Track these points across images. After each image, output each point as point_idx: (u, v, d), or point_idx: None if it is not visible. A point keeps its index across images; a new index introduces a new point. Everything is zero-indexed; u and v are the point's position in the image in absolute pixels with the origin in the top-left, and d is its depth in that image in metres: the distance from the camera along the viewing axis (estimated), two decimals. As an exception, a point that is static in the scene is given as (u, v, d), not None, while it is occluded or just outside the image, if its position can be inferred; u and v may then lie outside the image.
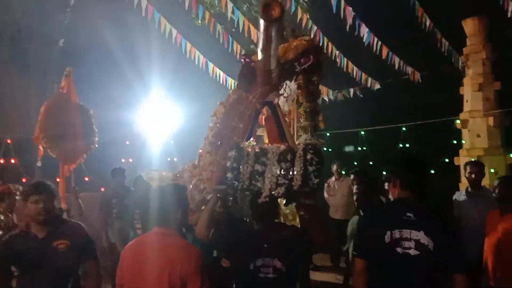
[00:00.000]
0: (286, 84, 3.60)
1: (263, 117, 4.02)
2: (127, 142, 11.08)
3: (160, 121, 10.20)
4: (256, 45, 3.49)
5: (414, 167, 2.71)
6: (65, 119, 5.55)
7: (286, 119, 4.01)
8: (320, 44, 3.52)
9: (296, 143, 3.34)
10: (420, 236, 2.46)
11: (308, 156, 3.02)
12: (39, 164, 6.06)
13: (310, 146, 3.07)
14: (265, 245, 2.93)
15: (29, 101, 9.70)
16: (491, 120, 9.81)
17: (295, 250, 2.98)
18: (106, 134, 8.30)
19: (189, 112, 11.01)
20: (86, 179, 8.82)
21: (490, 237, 3.86)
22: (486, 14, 10.02)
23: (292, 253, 2.97)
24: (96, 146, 6.04)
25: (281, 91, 3.58)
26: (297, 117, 3.92)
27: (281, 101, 3.91)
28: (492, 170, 8.93)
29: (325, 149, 11.34)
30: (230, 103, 3.46)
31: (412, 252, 2.46)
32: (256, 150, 3.21)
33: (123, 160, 10.36)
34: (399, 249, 2.49)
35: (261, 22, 2.71)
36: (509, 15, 7.63)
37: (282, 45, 3.44)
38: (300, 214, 3.33)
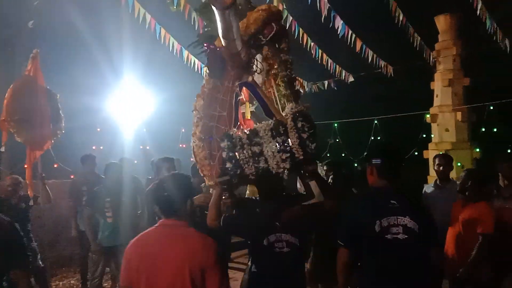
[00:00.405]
0: (256, 60, 3.53)
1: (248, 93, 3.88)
2: (98, 129, 10.86)
3: (132, 108, 10.03)
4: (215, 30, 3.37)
5: (393, 156, 2.82)
6: (32, 103, 5.37)
7: (269, 91, 3.93)
8: (283, 16, 3.38)
9: (283, 114, 3.30)
10: (406, 221, 2.61)
11: (299, 124, 3.00)
12: (2, 149, 5.86)
13: (297, 114, 3.05)
14: (276, 223, 3.00)
15: (-5, 84, 9.37)
16: (459, 115, 10.11)
17: (306, 223, 3.10)
18: (76, 120, 8.13)
19: (163, 100, 10.87)
20: (55, 166, 8.62)
21: (452, 226, 4.03)
22: (457, 11, 10.26)
23: (303, 226, 3.08)
24: (63, 132, 5.89)
25: (254, 68, 3.51)
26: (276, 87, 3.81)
27: (256, 76, 3.82)
28: (459, 164, 9.22)
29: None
30: (207, 93, 3.36)
31: (401, 236, 2.60)
32: (247, 133, 3.16)
33: (94, 147, 10.16)
34: (389, 236, 2.61)
35: (215, 10, 2.64)
36: (478, 12, 7.84)
37: (241, 21, 3.33)
38: (304, 183, 3.37)
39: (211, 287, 2.30)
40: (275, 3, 6.78)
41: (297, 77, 3.56)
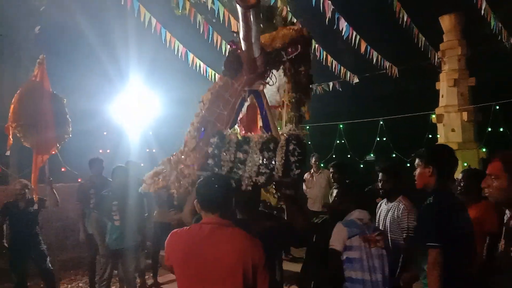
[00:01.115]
0: (272, 73, 3.53)
1: (246, 104, 3.94)
2: (105, 133, 10.92)
3: (138, 112, 10.09)
4: (237, 34, 3.41)
5: (453, 158, 3.03)
6: (38, 107, 5.43)
7: (279, 109, 3.98)
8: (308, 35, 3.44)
9: (280, 132, 3.30)
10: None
11: (291, 147, 2.97)
12: (8, 153, 5.91)
13: (293, 137, 3.03)
14: None
15: (3, 89, 9.46)
16: (465, 115, 10.08)
17: (276, 241, 2.92)
18: (83, 124, 8.20)
19: (169, 103, 10.93)
20: (63, 169, 8.69)
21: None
22: (462, 11, 10.25)
23: (273, 243, 2.85)
24: (70, 136, 5.94)
25: (267, 80, 3.51)
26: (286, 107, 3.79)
27: (273, 91, 3.89)
28: (465, 164, 9.18)
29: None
30: (216, 89, 3.38)
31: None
32: (239, 138, 3.15)
33: (100, 151, 10.21)
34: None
35: (239, 9, 2.63)
36: (482, 12, 7.82)
37: (270, 33, 3.40)
38: (281, 204, 3.37)
39: (261, 284, 2.34)
40: (279, 5, 6.82)
41: (305, 104, 3.55)
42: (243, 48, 3.14)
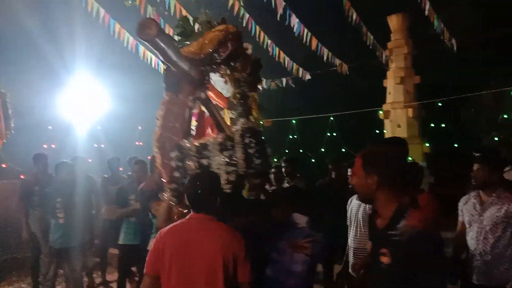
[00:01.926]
0: (209, 77, 3.66)
1: (197, 112, 4.05)
2: (50, 127, 10.46)
3: (86, 106, 9.75)
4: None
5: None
6: None
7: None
8: (239, 29, 3.54)
9: (234, 129, 3.43)
10: None
11: (247, 140, 3.14)
12: None
13: (246, 130, 3.20)
14: None
15: None
16: (410, 112, 10.53)
17: (258, 234, 3.03)
18: (26, 118, 7.81)
19: (119, 97, 10.62)
20: (3, 166, 8.27)
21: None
22: (408, 11, 10.66)
23: (255, 236, 2.95)
24: (12, 132, 5.66)
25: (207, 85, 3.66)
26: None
27: (226, 88, 3.95)
28: (410, 158, 9.60)
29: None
30: (166, 105, 3.53)
31: None
32: (197, 145, 3.29)
33: (45, 146, 9.78)
34: None
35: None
36: (426, 13, 8.19)
37: (197, 41, 3.51)
38: (251, 195, 3.43)
39: (242, 275, 2.52)
40: (230, 1, 6.81)
41: (253, 94, 3.68)
42: (172, 68, 3.36)
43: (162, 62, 3.57)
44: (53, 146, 10.02)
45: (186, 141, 3.35)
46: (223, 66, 3.60)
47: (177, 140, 3.36)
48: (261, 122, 4.00)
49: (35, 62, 9.94)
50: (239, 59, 3.54)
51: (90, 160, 8.67)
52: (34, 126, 9.23)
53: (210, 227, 2.58)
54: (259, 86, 3.89)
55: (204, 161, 3.19)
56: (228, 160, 3.13)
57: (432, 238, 1.92)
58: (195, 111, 3.84)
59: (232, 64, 3.53)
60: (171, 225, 2.70)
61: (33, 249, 6.19)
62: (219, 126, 3.67)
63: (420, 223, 1.86)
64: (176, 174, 3.23)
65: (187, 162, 3.22)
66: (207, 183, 2.67)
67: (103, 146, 10.74)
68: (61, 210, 5.18)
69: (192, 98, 3.50)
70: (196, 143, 3.32)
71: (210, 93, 3.85)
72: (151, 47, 3.04)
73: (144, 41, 2.99)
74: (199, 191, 2.62)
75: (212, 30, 3.54)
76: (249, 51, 3.72)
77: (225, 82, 3.82)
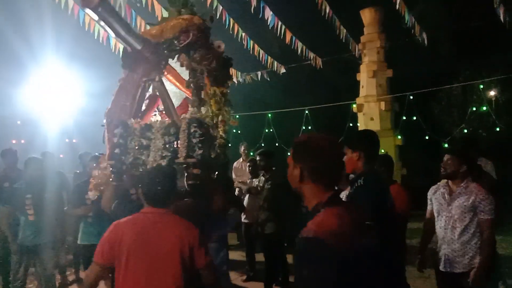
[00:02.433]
0: (167, 62, 3.72)
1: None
2: (19, 122, 10.16)
3: (57, 100, 9.51)
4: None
5: (378, 141, 3.13)
6: None
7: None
8: (206, 23, 3.63)
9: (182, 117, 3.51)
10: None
11: (192, 129, 3.21)
12: None
13: (193, 120, 3.26)
14: None
15: None
16: (383, 105, 10.72)
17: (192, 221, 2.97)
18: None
19: (91, 91, 10.38)
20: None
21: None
22: (381, 5, 10.81)
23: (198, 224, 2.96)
24: None
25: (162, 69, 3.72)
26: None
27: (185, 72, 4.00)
28: (383, 150, 9.77)
29: (234, 130, 11.50)
30: (121, 82, 3.61)
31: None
32: (142, 125, 3.37)
33: (14, 141, 9.50)
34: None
35: (88, 11, 2.93)
36: (397, 7, 8.31)
37: (159, 25, 3.61)
38: (188, 184, 3.37)
39: (199, 260, 2.63)
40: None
41: (204, 83, 3.75)
42: (123, 44, 3.39)
43: (114, 37, 3.56)
44: (22, 141, 9.75)
45: (133, 120, 3.43)
46: (182, 54, 3.63)
47: (124, 117, 3.43)
48: (229, 118, 4.02)
49: (2, 55, 9.61)
50: (199, 50, 3.58)
51: (61, 156, 8.48)
52: (3, 121, 8.96)
53: (165, 220, 2.68)
54: (228, 83, 3.97)
55: (144, 141, 3.29)
56: (167, 146, 3.23)
57: (312, 244, 1.66)
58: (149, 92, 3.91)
59: (191, 53, 3.56)
60: (127, 217, 2.74)
61: (1, 248, 6.03)
62: (167, 111, 3.74)
63: (315, 227, 1.67)
64: (117, 150, 3.31)
65: (128, 140, 3.32)
66: (163, 180, 2.72)
67: (75, 141, 10.50)
68: (31, 206, 5.04)
69: (146, 79, 3.58)
70: (142, 123, 3.39)
71: (169, 76, 3.94)
72: (98, 18, 2.99)
73: (89, 12, 2.93)
74: (156, 188, 2.68)
75: (177, 17, 3.61)
76: (221, 49, 3.79)
77: (185, 69, 3.84)
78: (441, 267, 3.65)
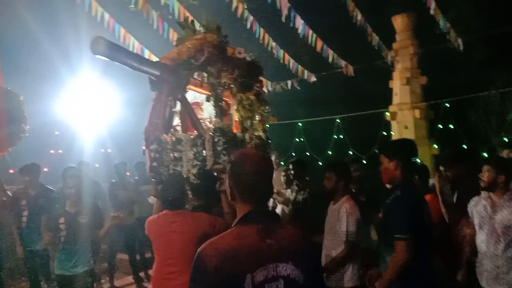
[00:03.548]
0: (189, 81, 4.15)
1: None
2: (57, 132, 10.48)
3: (93, 110, 9.76)
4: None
5: (416, 150, 3.07)
6: None
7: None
8: (220, 38, 3.96)
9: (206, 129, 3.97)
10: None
11: (216, 139, 3.55)
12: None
13: (217, 130, 3.62)
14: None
15: None
16: (417, 113, 10.43)
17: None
18: (32, 123, 7.84)
19: (125, 102, 10.62)
20: (11, 171, 8.28)
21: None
22: (413, 11, 10.59)
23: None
24: (26, 134, 5.65)
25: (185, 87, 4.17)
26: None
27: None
28: (418, 160, 9.51)
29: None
30: (153, 102, 4.05)
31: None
32: (173, 140, 3.75)
33: (52, 151, 9.80)
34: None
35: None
36: (431, 12, 8.12)
37: (177, 48, 4.02)
38: (220, 189, 3.53)
39: None
40: (234, 4, 6.79)
41: (224, 96, 4.17)
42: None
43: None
44: (60, 151, 10.04)
45: (165, 135, 3.84)
46: (200, 71, 4.10)
47: (158, 134, 3.86)
48: (268, 117, 4.31)
49: (41, 67, 9.98)
50: (216, 65, 3.95)
51: (96, 165, 8.68)
52: (41, 131, 9.26)
53: (182, 217, 3.22)
54: (257, 86, 4.14)
55: (176, 154, 3.70)
56: (196, 156, 3.60)
57: (196, 260, 1.58)
58: (177, 109, 4.33)
59: (208, 69, 3.95)
60: (150, 217, 3.37)
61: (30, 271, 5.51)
62: (194, 124, 4.14)
63: (207, 243, 1.62)
64: (154, 164, 3.76)
65: (163, 154, 3.76)
66: (176, 187, 3.27)
67: (109, 151, 10.74)
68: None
69: (171, 98, 3.99)
70: (173, 138, 3.79)
71: (193, 87, 4.35)
72: (110, 60, 3.42)
73: (100, 57, 3.36)
74: (169, 196, 3.23)
75: (191, 38, 3.99)
76: (242, 55, 4.02)
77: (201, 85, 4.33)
78: (483, 284, 3.47)
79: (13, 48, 9.91)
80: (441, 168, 4.30)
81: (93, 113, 9.83)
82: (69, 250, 3.90)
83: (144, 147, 3.98)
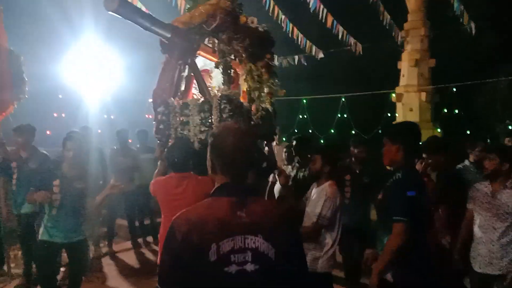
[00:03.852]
0: (199, 46, 4.10)
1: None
2: (60, 96, 10.44)
3: (97, 75, 9.68)
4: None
5: (419, 134, 3.00)
6: None
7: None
8: (234, 4, 3.95)
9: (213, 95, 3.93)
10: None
11: (222, 106, 3.58)
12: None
13: (223, 97, 3.62)
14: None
15: None
16: (423, 96, 10.35)
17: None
18: (36, 85, 7.79)
19: (130, 67, 10.52)
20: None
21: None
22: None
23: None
24: (26, 96, 5.58)
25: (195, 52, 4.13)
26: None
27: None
28: (420, 143, 9.49)
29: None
30: (162, 65, 4.03)
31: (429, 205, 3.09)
32: (181, 104, 3.77)
33: (55, 115, 9.80)
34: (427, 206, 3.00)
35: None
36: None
37: (189, 12, 4.00)
38: None
39: None
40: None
41: (233, 65, 4.10)
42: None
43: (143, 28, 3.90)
44: (63, 115, 10.04)
45: (172, 99, 3.85)
46: (211, 37, 4.00)
47: (166, 97, 3.87)
48: (276, 89, 4.29)
49: (44, 29, 9.85)
50: (227, 32, 3.88)
51: (99, 131, 8.68)
52: (44, 94, 9.22)
53: (187, 179, 3.32)
54: (267, 58, 4.15)
55: (183, 118, 3.73)
56: (203, 121, 3.65)
57: (170, 228, 1.61)
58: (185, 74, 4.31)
59: (219, 35, 3.87)
60: (158, 178, 3.48)
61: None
62: (201, 90, 4.13)
63: (180, 213, 1.66)
64: (161, 126, 3.79)
65: (170, 117, 3.79)
66: (182, 149, 3.37)
67: (112, 117, 10.72)
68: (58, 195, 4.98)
69: (181, 62, 4.00)
70: (180, 102, 3.81)
71: (203, 53, 4.32)
72: (123, 17, 3.40)
73: (112, 13, 3.36)
74: (175, 158, 3.32)
75: (205, 3, 3.92)
76: (254, 24, 4.04)
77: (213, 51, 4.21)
78: (476, 268, 3.52)
79: (14, 10, 9.76)
80: (424, 155, 4.30)
81: (97, 78, 9.76)
82: (62, 216, 3.65)
83: (147, 115, 4.04)
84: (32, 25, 9.90)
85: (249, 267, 1.63)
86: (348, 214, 4.34)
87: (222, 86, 3.97)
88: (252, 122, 3.93)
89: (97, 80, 9.73)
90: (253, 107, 3.99)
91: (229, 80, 4.00)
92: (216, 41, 4.04)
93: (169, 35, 3.81)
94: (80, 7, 9.35)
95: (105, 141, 8.01)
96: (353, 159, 4.97)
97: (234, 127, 1.78)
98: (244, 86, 4.33)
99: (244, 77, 4.18)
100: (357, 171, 4.69)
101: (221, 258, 1.58)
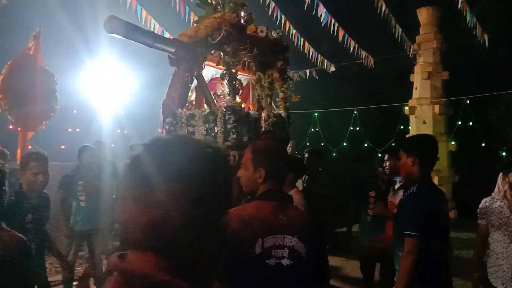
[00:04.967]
0: (205, 58, 4.19)
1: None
2: (75, 111, 10.59)
3: (111, 90, 9.82)
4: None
5: (436, 148, 2.99)
6: (29, 81, 5.25)
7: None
8: (240, 17, 4.04)
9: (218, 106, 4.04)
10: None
11: (227, 117, 3.66)
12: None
13: (228, 108, 3.71)
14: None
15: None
16: (437, 108, 10.25)
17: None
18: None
19: (143, 83, 10.65)
20: (29, 148, 8.41)
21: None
22: (439, 5, 10.34)
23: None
24: (55, 114, 5.76)
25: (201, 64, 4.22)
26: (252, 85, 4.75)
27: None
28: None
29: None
30: (172, 77, 4.17)
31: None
32: (187, 114, 3.89)
33: (69, 130, 9.93)
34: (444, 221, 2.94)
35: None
36: (459, 6, 7.91)
37: (195, 26, 4.12)
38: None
39: None
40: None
41: (238, 77, 4.16)
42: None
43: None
44: (77, 130, 10.16)
45: (180, 109, 3.96)
46: (217, 49, 4.09)
47: (174, 108, 3.97)
48: (290, 95, 4.48)
49: (61, 46, 10.04)
50: (233, 44, 3.95)
51: (113, 145, 8.76)
52: (59, 109, 9.37)
53: None
54: (280, 64, 4.30)
55: (190, 129, 3.83)
56: (208, 131, 3.73)
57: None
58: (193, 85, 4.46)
59: (225, 48, 3.95)
60: None
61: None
62: (207, 101, 4.25)
63: (231, 211, 1.84)
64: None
65: (177, 128, 3.89)
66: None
67: (126, 132, 10.82)
68: (83, 193, 5.22)
69: (188, 74, 4.09)
70: (187, 112, 3.92)
71: (212, 64, 4.41)
72: (124, 38, 3.50)
73: (114, 35, 3.43)
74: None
75: (210, 16, 4.04)
76: (263, 34, 4.13)
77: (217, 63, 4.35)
78: (497, 284, 3.42)
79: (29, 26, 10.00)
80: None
81: (112, 93, 9.89)
82: None
83: (159, 130, 4.12)
84: (47, 40, 10.10)
85: (285, 261, 1.90)
86: (369, 231, 4.35)
87: (227, 97, 4.07)
88: (262, 129, 4.04)
89: (111, 95, 9.86)
90: (264, 115, 4.12)
91: (235, 91, 4.07)
92: (222, 53, 4.12)
93: (173, 50, 3.92)
94: (95, 23, 9.51)
95: (119, 155, 8.07)
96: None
97: (275, 144, 2.16)
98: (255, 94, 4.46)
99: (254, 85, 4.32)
100: (383, 188, 4.62)
101: (264, 251, 1.86)
